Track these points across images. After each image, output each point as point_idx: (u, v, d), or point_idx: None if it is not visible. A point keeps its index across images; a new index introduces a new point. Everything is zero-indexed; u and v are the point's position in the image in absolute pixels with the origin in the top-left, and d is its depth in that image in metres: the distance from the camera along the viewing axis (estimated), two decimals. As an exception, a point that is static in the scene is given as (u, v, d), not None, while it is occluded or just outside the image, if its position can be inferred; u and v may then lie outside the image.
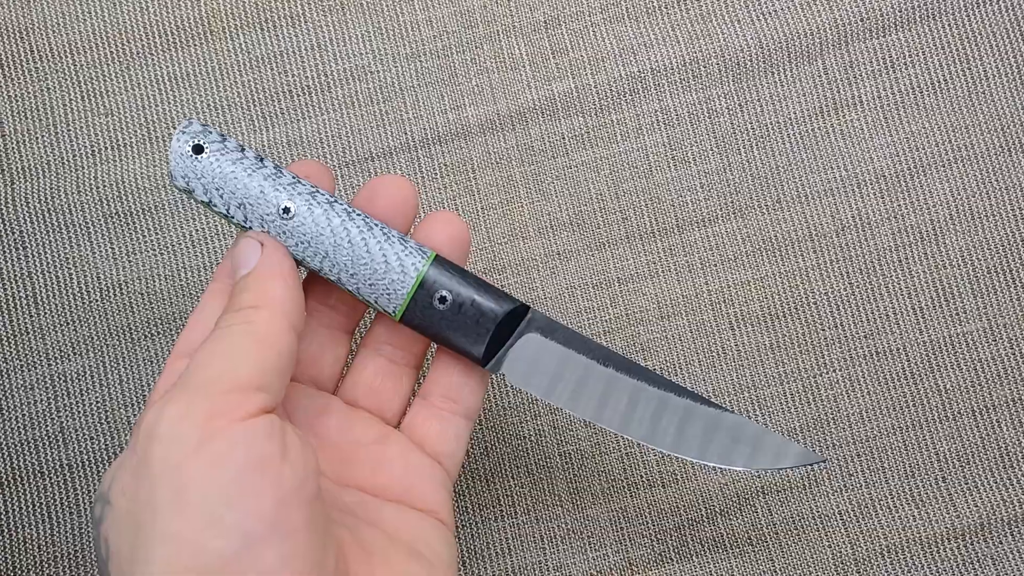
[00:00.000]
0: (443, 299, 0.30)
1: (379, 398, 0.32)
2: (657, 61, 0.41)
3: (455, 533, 0.32)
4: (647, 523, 0.39)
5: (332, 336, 0.33)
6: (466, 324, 0.30)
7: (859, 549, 0.39)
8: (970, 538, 0.39)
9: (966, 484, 0.40)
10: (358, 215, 0.30)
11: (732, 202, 0.41)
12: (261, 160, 0.30)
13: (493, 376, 0.32)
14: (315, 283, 0.32)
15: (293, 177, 0.30)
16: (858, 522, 0.39)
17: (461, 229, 0.32)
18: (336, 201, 0.30)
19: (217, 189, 0.30)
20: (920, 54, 0.41)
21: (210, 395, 0.25)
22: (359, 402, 0.32)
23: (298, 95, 0.41)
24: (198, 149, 0.29)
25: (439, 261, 0.31)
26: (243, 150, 0.30)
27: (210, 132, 0.30)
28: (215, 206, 0.30)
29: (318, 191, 0.30)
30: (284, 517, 0.24)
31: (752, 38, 0.41)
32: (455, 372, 0.32)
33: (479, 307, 0.30)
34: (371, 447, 0.31)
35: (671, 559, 0.39)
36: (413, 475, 0.31)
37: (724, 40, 0.41)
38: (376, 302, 0.30)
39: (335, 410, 0.32)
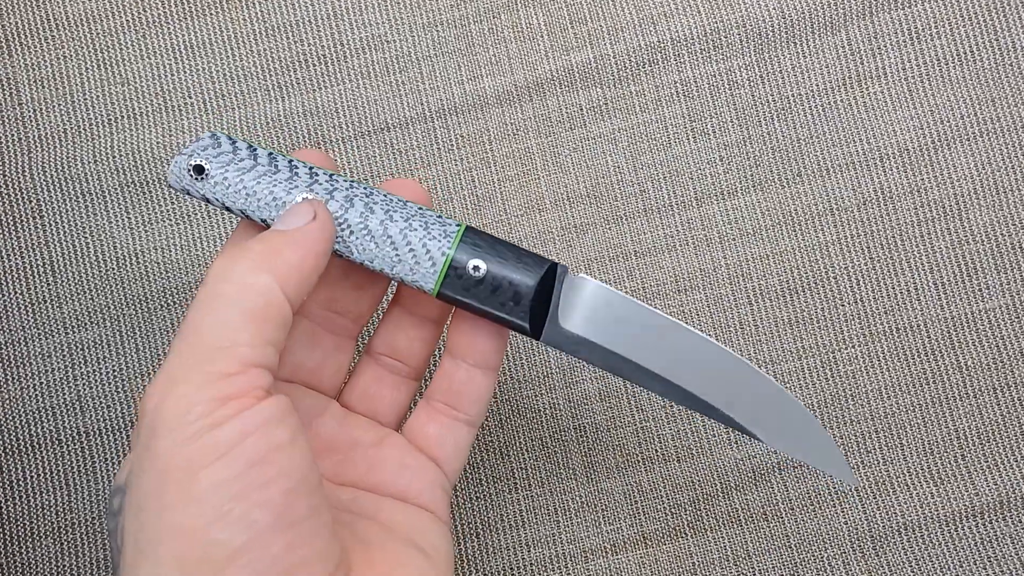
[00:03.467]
0: (476, 269, 0.29)
1: (375, 405, 0.32)
2: (677, 31, 0.41)
3: (452, 530, 0.32)
4: (662, 497, 0.39)
5: (337, 343, 0.32)
6: (504, 296, 0.29)
7: (876, 526, 0.39)
8: (989, 516, 0.39)
9: (986, 462, 0.39)
10: (377, 203, 0.29)
11: (752, 175, 0.40)
12: (274, 161, 0.29)
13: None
14: (324, 287, 0.31)
15: (310, 174, 0.29)
16: (875, 499, 0.39)
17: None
18: (353, 185, 0.29)
19: (226, 200, 0.29)
20: (946, 24, 0.40)
21: (211, 380, 0.24)
22: (355, 407, 0.32)
23: (314, 64, 0.41)
24: (199, 170, 0.29)
25: (468, 235, 0.29)
26: (255, 155, 0.29)
27: (218, 143, 0.29)
28: (229, 211, 0.29)
29: (336, 185, 0.29)
30: (291, 506, 0.24)
31: (775, 8, 0.41)
32: (458, 377, 0.31)
33: (511, 281, 0.29)
34: (368, 449, 0.31)
35: (685, 534, 0.39)
36: (409, 474, 0.31)
37: (746, 10, 0.41)
38: (410, 284, 0.30)
39: (333, 413, 0.32)
